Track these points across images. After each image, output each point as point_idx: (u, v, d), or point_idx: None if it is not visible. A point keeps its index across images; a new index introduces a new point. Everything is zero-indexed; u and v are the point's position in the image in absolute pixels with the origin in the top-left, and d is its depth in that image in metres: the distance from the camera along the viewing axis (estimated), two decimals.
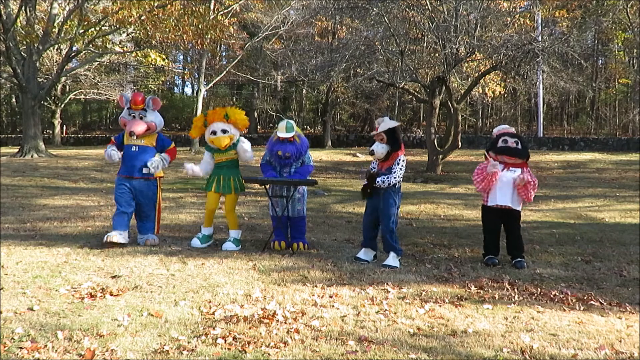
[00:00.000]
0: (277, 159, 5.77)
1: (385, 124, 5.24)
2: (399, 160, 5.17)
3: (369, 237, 5.38)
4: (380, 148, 5.16)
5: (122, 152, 5.92)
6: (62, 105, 30.11)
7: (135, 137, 5.78)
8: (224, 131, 5.82)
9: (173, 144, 6.17)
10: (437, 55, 18.15)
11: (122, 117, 5.93)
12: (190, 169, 5.99)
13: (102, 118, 40.02)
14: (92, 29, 18.83)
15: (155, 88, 33.45)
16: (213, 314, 3.70)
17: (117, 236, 5.61)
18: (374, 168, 5.36)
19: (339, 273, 4.83)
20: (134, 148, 5.86)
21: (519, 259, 5.20)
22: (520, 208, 5.34)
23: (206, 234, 5.98)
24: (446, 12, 15.27)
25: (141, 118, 5.83)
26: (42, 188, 11.41)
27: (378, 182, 5.12)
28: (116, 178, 6.00)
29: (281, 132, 5.71)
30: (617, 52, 28.44)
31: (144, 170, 5.81)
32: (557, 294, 4.24)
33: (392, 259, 5.17)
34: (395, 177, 5.11)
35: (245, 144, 5.98)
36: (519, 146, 5.23)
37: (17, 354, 3.03)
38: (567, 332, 3.45)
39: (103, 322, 3.49)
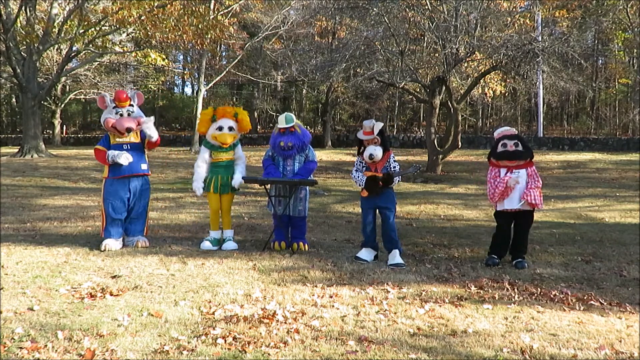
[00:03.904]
0: (280, 151, 5.79)
1: (378, 125, 5.33)
2: (392, 158, 5.41)
3: (372, 238, 5.40)
4: (378, 151, 5.24)
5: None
6: (62, 105, 30.12)
7: (129, 134, 5.64)
8: (231, 129, 5.82)
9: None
10: (437, 55, 18.16)
11: (108, 118, 5.63)
12: (199, 189, 5.82)
13: None
14: (92, 29, 18.84)
15: (155, 88, 33.43)
16: (213, 314, 3.70)
17: (116, 244, 5.61)
18: (361, 170, 5.39)
19: (339, 273, 4.83)
20: (125, 147, 5.69)
21: (519, 260, 5.19)
22: (531, 208, 5.27)
23: (217, 237, 5.87)
24: (446, 12, 15.27)
25: (129, 114, 5.70)
26: (42, 188, 11.41)
27: (395, 181, 5.30)
28: (109, 181, 5.68)
29: (281, 124, 5.77)
30: (617, 52, 28.44)
31: (144, 126, 5.64)
32: (557, 294, 4.24)
33: (399, 257, 5.21)
34: (401, 175, 5.38)
35: (242, 158, 6.03)
36: (519, 147, 5.20)
37: (17, 354, 3.03)
38: (567, 332, 3.45)
39: (103, 322, 3.49)
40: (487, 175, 5.44)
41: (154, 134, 5.75)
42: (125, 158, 5.59)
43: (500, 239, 5.37)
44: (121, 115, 5.67)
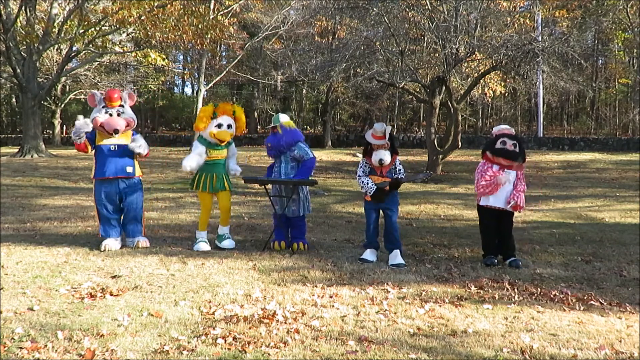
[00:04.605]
0: (267, 151, 5.96)
1: (388, 129, 5.30)
2: (397, 161, 5.42)
3: (375, 238, 5.40)
4: (388, 156, 5.25)
5: (94, 152, 5.64)
6: (62, 105, 30.11)
7: (117, 135, 5.57)
8: (229, 126, 5.77)
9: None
10: (437, 55, 18.15)
11: (97, 117, 5.54)
12: (188, 166, 5.66)
13: None
14: (92, 29, 18.84)
15: (155, 88, 33.40)
16: (213, 314, 3.70)
17: (115, 244, 5.61)
18: (366, 172, 5.38)
19: (339, 273, 4.83)
20: (112, 147, 5.59)
21: (512, 258, 5.21)
22: (515, 210, 5.31)
23: (204, 238, 5.83)
24: (446, 12, 15.26)
25: (119, 115, 5.62)
26: (42, 188, 11.41)
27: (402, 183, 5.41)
28: (96, 182, 5.67)
29: (271, 123, 5.91)
30: (617, 52, 28.44)
31: (130, 146, 5.59)
32: (557, 294, 4.24)
33: (400, 258, 5.23)
34: (409, 181, 5.37)
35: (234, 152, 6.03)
36: (517, 149, 5.22)
37: (17, 354, 3.03)
38: (567, 332, 3.45)
39: (103, 322, 3.49)
40: (476, 168, 5.42)
41: (142, 150, 5.70)
42: (81, 125, 5.49)
43: (488, 240, 5.38)
44: (110, 115, 5.58)
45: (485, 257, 5.34)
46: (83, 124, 5.54)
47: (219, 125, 5.70)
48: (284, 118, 5.91)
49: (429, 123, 17.12)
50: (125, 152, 5.67)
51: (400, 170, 5.38)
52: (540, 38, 15.44)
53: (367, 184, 5.29)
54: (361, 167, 5.43)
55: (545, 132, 27.01)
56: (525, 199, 5.32)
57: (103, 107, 5.62)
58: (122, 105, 5.70)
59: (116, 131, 5.53)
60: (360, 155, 5.53)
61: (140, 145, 5.67)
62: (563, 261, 5.43)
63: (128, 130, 5.74)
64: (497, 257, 5.35)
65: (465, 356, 3.09)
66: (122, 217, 5.81)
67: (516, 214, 5.51)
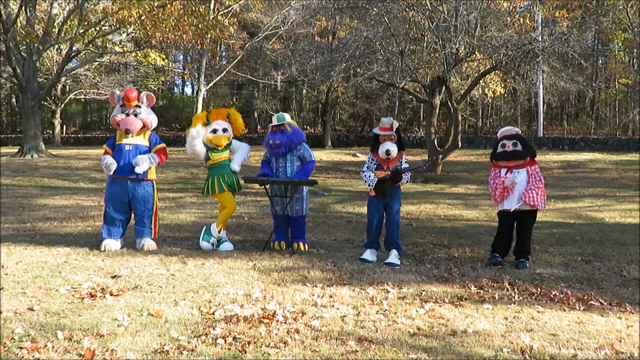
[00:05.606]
0: (270, 149, 5.85)
1: (395, 123, 5.38)
2: (404, 159, 5.43)
3: (377, 238, 5.40)
4: (395, 148, 5.27)
5: (114, 150, 5.65)
6: (62, 105, 30.14)
7: (130, 135, 5.57)
8: (225, 130, 5.85)
9: (164, 145, 5.91)
10: (437, 55, 18.14)
11: (115, 116, 5.66)
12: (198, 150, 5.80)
13: (102, 118, 39.98)
14: (92, 29, 18.84)
15: (155, 88, 33.42)
16: (213, 314, 3.70)
17: (115, 244, 5.60)
18: (372, 167, 5.38)
19: (339, 273, 4.83)
20: (127, 147, 5.61)
21: (521, 260, 5.19)
22: (533, 208, 5.22)
23: (217, 238, 5.85)
24: (446, 12, 15.26)
25: (135, 115, 5.63)
26: (42, 188, 11.41)
27: (404, 179, 5.33)
28: (109, 179, 5.70)
29: (273, 122, 5.87)
30: (617, 52, 28.46)
31: (137, 170, 5.58)
32: (557, 294, 4.24)
33: (395, 257, 5.21)
34: (410, 174, 5.44)
35: (242, 146, 6.04)
36: (518, 147, 5.22)
37: (17, 354, 3.03)
38: (567, 332, 3.45)
39: (103, 322, 3.49)
40: (489, 178, 5.48)
41: (138, 167, 5.63)
42: (106, 166, 5.54)
43: (500, 239, 5.38)
44: (127, 115, 5.63)
45: (491, 256, 5.34)
46: (109, 163, 5.55)
47: (214, 131, 5.80)
48: (288, 117, 5.95)
49: (429, 123, 17.12)
50: (139, 152, 5.66)
51: (405, 166, 5.40)
52: (540, 38, 15.45)
53: (369, 177, 5.34)
54: (367, 163, 5.47)
55: (545, 132, 27.01)
56: (542, 201, 5.19)
57: (121, 106, 5.69)
58: (138, 106, 5.70)
59: (127, 131, 5.56)
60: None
61: (139, 166, 5.58)
62: (563, 261, 5.43)
63: (146, 131, 5.76)
64: (503, 258, 5.34)
65: (465, 356, 3.09)
66: (131, 218, 5.83)
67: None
